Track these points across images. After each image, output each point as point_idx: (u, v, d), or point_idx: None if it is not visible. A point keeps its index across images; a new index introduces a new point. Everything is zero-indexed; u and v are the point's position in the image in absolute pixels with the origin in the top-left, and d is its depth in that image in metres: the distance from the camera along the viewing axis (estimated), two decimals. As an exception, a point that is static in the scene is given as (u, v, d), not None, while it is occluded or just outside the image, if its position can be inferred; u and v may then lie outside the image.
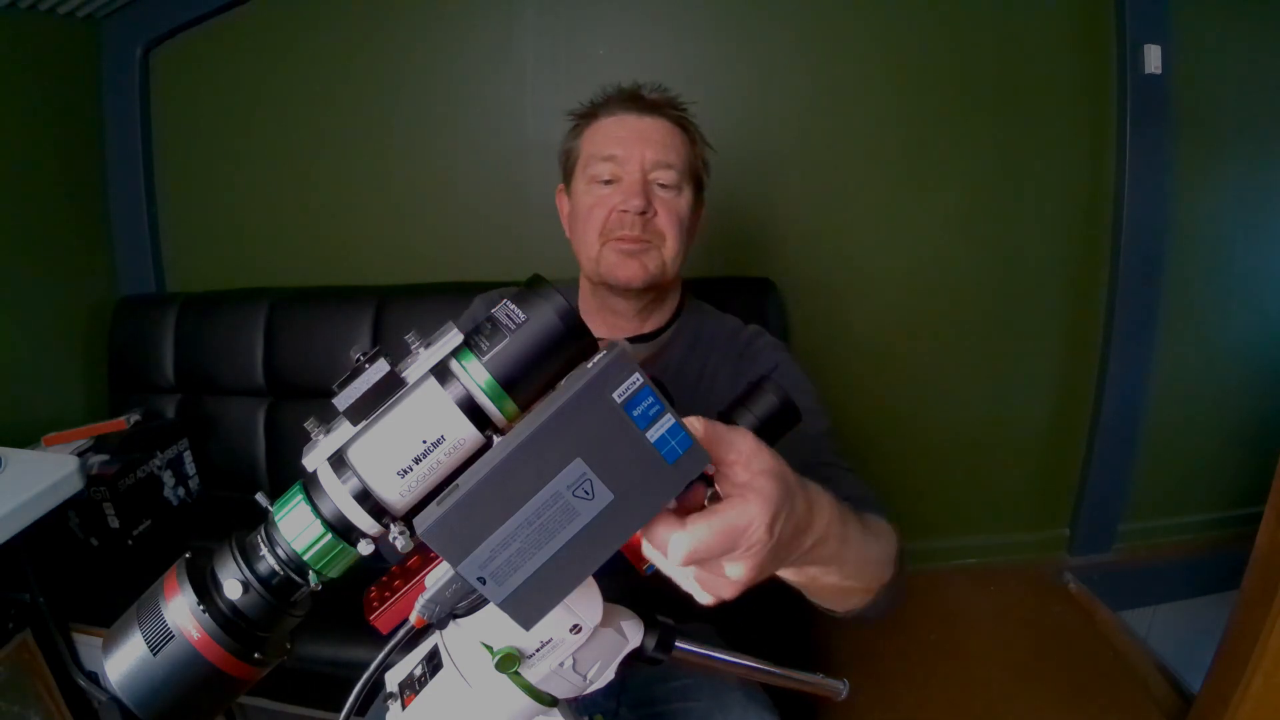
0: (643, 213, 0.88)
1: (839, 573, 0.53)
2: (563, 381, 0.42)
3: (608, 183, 0.89)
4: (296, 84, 1.81)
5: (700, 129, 0.96)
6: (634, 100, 0.91)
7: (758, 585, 0.44)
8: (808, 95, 1.73)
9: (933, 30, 1.69)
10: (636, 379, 0.39)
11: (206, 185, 1.90)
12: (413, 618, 0.47)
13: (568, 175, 0.97)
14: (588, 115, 0.95)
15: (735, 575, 0.42)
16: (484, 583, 0.40)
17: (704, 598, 0.45)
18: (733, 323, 1.01)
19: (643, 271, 0.89)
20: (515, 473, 0.39)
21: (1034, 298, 1.86)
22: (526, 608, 0.41)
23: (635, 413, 0.39)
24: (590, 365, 0.40)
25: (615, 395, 0.39)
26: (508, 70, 1.71)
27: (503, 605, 0.41)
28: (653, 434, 0.39)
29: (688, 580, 0.45)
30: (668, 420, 0.40)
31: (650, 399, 0.39)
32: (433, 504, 0.40)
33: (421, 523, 0.39)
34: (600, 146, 0.90)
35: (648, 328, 0.95)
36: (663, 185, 0.90)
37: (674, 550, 0.41)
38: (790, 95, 1.73)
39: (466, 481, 0.39)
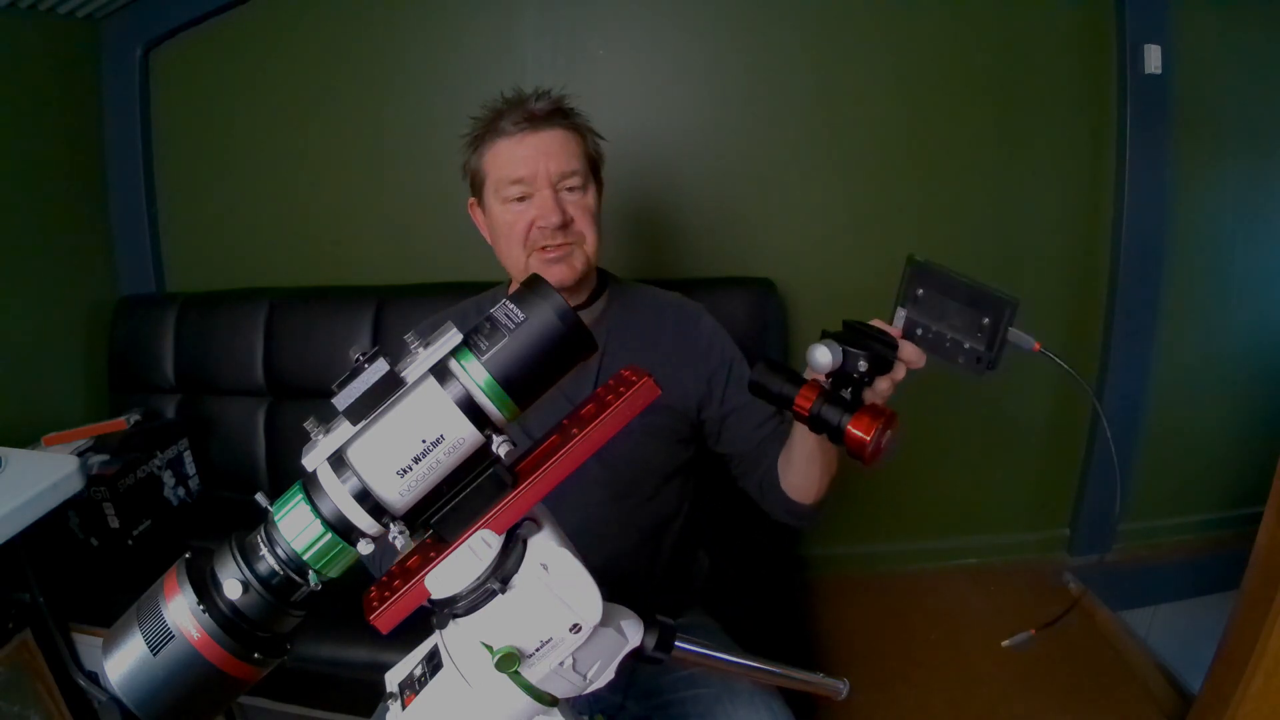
0: (561, 226, 0.94)
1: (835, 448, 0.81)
2: None
3: (521, 199, 0.95)
4: (296, 84, 1.81)
5: (590, 122, 1.01)
6: (528, 118, 0.95)
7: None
8: (809, 95, 1.72)
9: (933, 30, 1.69)
10: None
11: (207, 185, 1.90)
12: None
13: (477, 191, 1.02)
14: (483, 136, 0.98)
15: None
16: None
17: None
18: (672, 297, 1.09)
19: (571, 272, 0.97)
20: None
21: (1034, 297, 1.86)
22: None
23: None
24: None
25: None
26: (508, 70, 1.71)
27: None
28: None
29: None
30: None
31: None
32: None
33: None
34: (505, 169, 0.95)
35: (582, 299, 1.03)
36: (570, 189, 0.96)
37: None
38: (791, 95, 1.73)
39: None
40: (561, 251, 0.96)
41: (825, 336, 0.68)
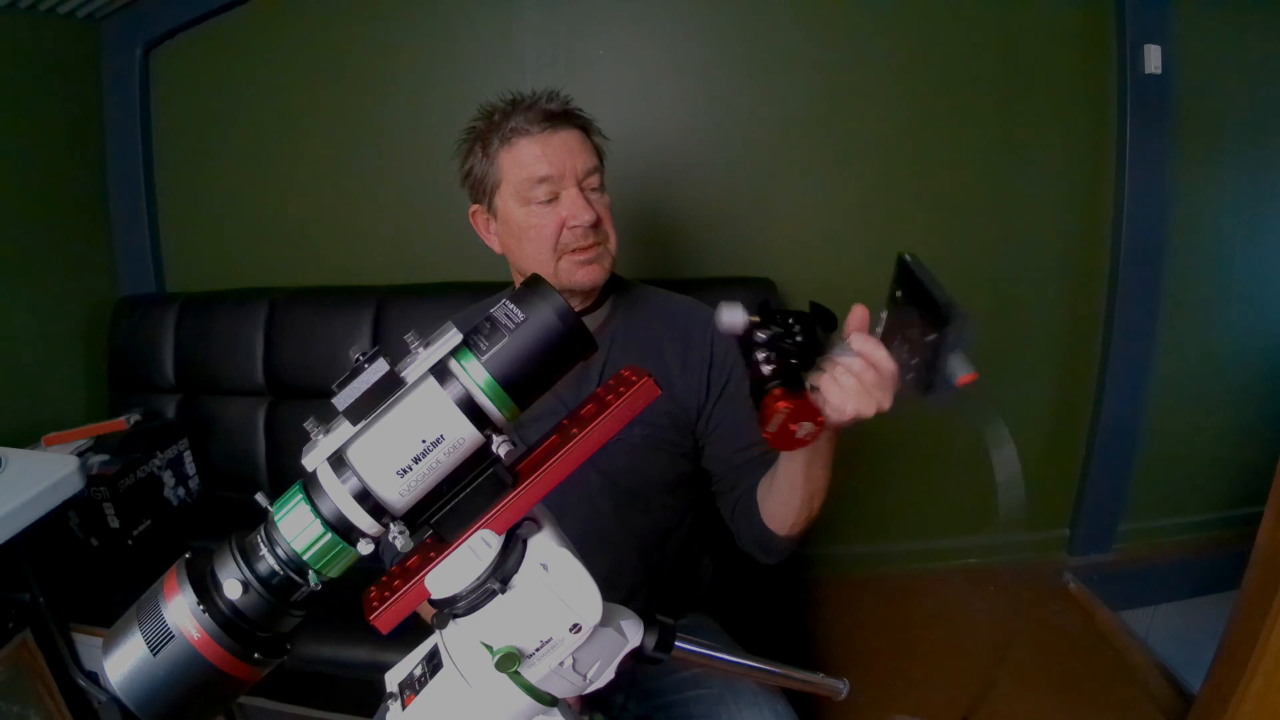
0: (593, 224, 0.93)
1: (821, 476, 0.80)
2: None
3: (547, 201, 0.93)
4: (296, 84, 1.81)
5: (596, 122, 1.00)
6: (546, 117, 0.93)
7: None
8: (809, 94, 1.73)
9: (934, 31, 1.69)
10: None
11: (207, 185, 1.90)
12: None
13: (484, 196, 0.97)
14: (491, 138, 0.94)
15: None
16: None
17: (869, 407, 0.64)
18: (683, 302, 1.07)
19: (602, 273, 0.96)
20: None
21: (1034, 297, 1.86)
22: None
23: None
24: None
25: None
26: (508, 70, 1.71)
27: None
28: None
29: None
30: None
31: None
32: None
33: None
34: (528, 170, 0.92)
35: (589, 302, 1.01)
36: (594, 189, 0.95)
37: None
38: (792, 94, 1.73)
39: None
40: (593, 253, 0.94)
41: (763, 308, 0.63)
